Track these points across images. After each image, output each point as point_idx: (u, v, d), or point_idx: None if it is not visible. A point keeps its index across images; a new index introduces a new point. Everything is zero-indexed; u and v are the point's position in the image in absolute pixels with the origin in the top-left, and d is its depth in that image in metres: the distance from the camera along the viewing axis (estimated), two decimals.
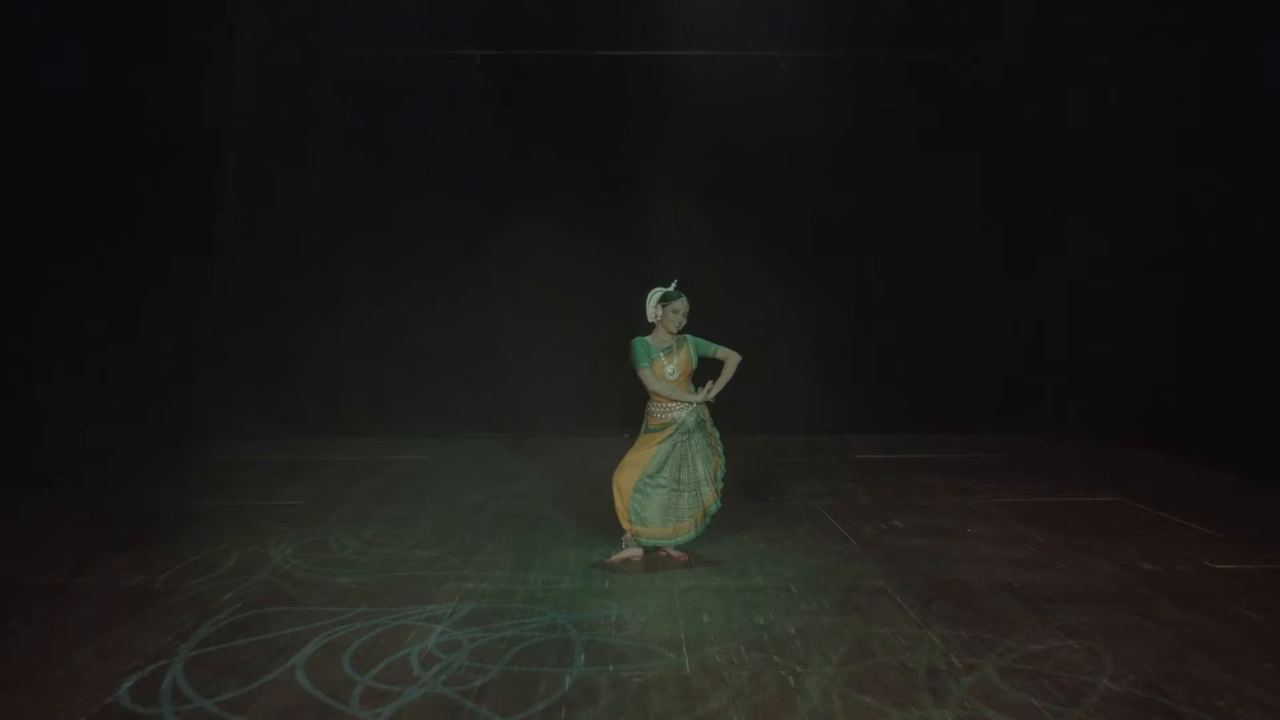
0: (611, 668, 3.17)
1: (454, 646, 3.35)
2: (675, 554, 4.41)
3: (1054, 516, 5.21)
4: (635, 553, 4.39)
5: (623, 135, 7.96)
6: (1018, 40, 7.58)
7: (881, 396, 8.15)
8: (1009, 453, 7.31)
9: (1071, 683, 3.02)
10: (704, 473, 4.34)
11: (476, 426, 8.15)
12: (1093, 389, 7.98)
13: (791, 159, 7.89)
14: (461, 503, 5.68)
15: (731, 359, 4.36)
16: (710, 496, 4.36)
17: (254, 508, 5.47)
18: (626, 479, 4.28)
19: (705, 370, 4.34)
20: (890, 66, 7.84)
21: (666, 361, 4.27)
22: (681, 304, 4.27)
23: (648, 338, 4.33)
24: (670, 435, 4.27)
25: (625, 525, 4.32)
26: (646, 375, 4.26)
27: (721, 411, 4.49)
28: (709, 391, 4.27)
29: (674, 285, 4.33)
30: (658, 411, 4.32)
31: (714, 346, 4.38)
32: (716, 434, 4.46)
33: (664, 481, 4.27)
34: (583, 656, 3.26)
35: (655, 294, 4.29)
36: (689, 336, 4.37)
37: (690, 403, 4.27)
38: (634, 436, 4.45)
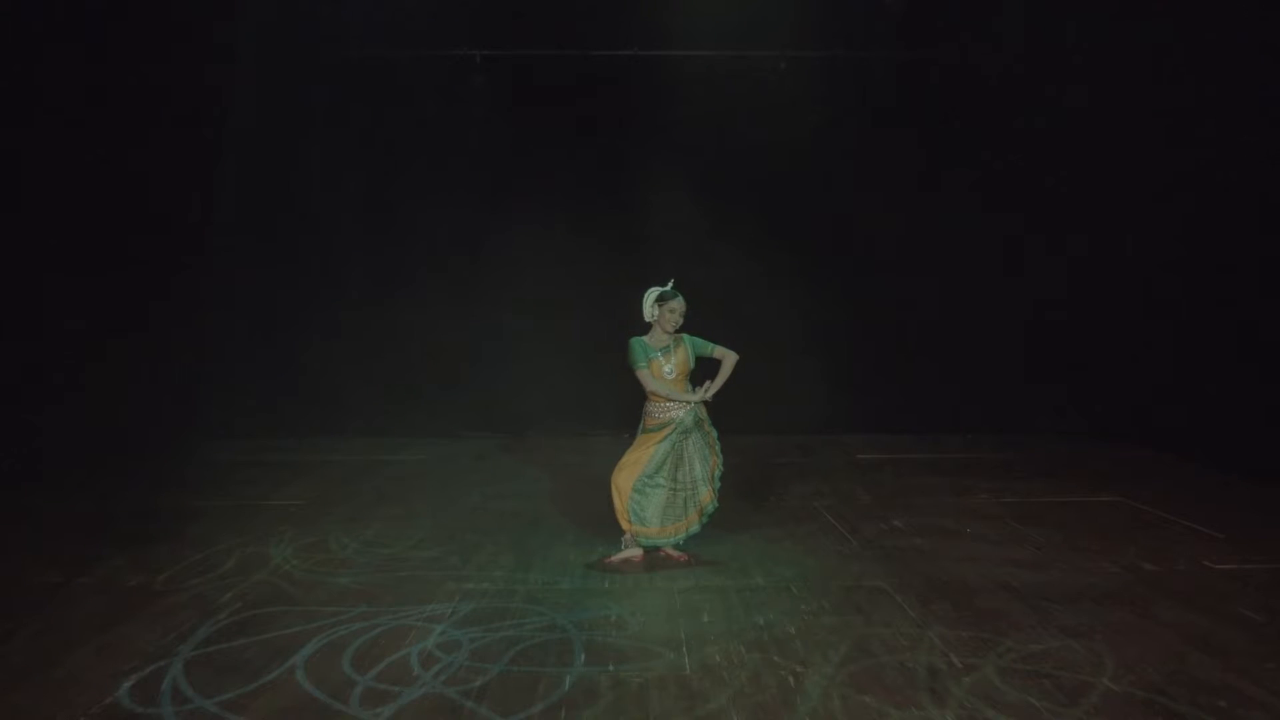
0: (611, 668, 3.17)
1: (454, 646, 3.35)
2: (675, 554, 4.41)
3: (1054, 516, 5.21)
4: (635, 553, 4.39)
5: (622, 135, 7.96)
6: (1017, 40, 7.58)
7: (881, 396, 8.14)
8: (1009, 453, 7.30)
9: (1071, 683, 3.02)
10: (701, 472, 4.34)
11: (476, 426, 8.15)
12: (1093, 389, 7.98)
13: (791, 159, 7.89)
14: (461, 503, 5.68)
15: (729, 358, 4.36)
16: (707, 496, 4.36)
17: (254, 508, 5.47)
18: (625, 479, 4.28)
19: (703, 370, 4.35)
20: (890, 66, 7.84)
21: (664, 361, 4.28)
22: (678, 303, 4.27)
23: (645, 338, 4.34)
24: (669, 435, 4.27)
25: (624, 525, 4.32)
26: (644, 375, 4.27)
27: (721, 411, 4.49)
28: (707, 391, 4.28)
29: (671, 285, 4.33)
30: (656, 411, 4.32)
31: (711, 346, 4.39)
32: (714, 433, 4.46)
33: (662, 481, 4.27)
34: (583, 656, 3.26)
35: (652, 293, 4.30)
36: (686, 336, 4.37)
37: (688, 402, 4.28)
38: (633, 437, 4.46)
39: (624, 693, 2.98)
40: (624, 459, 4.34)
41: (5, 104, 6.13)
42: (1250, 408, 6.29)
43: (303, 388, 8.04)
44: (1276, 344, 6.09)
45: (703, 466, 4.34)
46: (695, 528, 4.36)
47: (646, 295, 4.30)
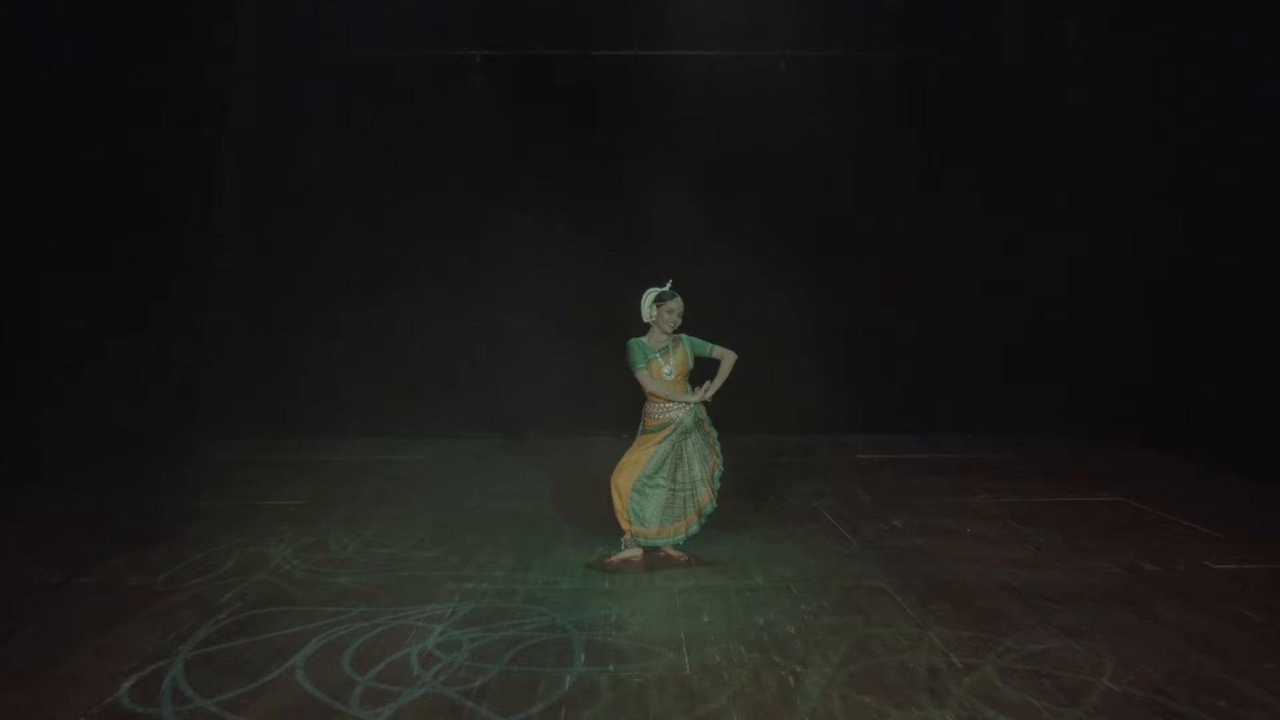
0: (611, 668, 3.17)
1: (454, 646, 3.35)
2: (675, 554, 4.41)
3: (1054, 516, 5.21)
4: (635, 553, 4.39)
5: (622, 135, 7.97)
6: (1017, 40, 7.59)
7: (881, 396, 8.14)
8: (1009, 453, 7.31)
9: (1071, 683, 3.02)
10: (700, 473, 4.34)
11: (476, 426, 8.15)
12: (1093, 389, 7.98)
13: (791, 159, 7.89)
14: (461, 503, 5.68)
15: (728, 358, 4.35)
16: (706, 497, 4.36)
17: (254, 508, 5.47)
18: (625, 479, 4.27)
19: (702, 370, 4.34)
20: (890, 66, 7.84)
21: (663, 362, 4.27)
22: (677, 304, 4.27)
23: (644, 339, 4.33)
24: (668, 436, 4.27)
25: (624, 525, 4.32)
26: (644, 377, 4.26)
27: (721, 411, 4.49)
28: (706, 392, 4.27)
29: (669, 285, 4.32)
30: (655, 412, 4.31)
31: (710, 346, 4.38)
32: (714, 434, 4.46)
33: (662, 482, 4.27)
34: (583, 656, 3.26)
35: (650, 294, 4.29)
36: (684, 336, 4.37)
37: (688, 403, 4.27)
38: (633, 437, 4.45)
39: (624, 693, 2.98)
40: (624, 459, 4.33)
41: (5, 104, 6.13)
42: (1250, 408, 6.29)
43: (303, 388, 8.05)
44: (1276, 344, 6.09)
45: (702, 467, 4.34)
46: (694, 528, 4.35)
47: (645, 296, 4.30)
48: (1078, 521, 5.09)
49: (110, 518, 5.15)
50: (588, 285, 7.86)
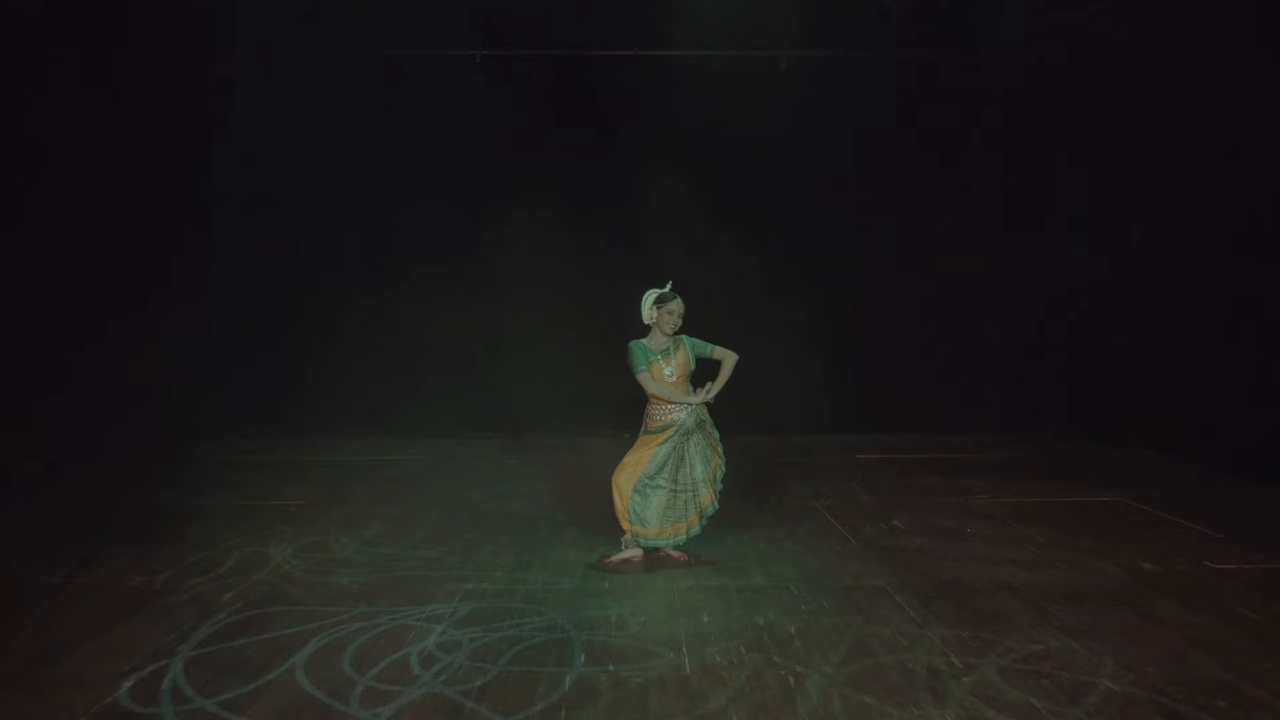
0: (611, 667, 3.17)
1: (454, 646, 3.35)
2: (675, 554, 4.41)
3: (1054, 516, 5.21)
4: (635, 553, 4.39)
5: (623, 135, 7.96)
6: (1017, 40, 7.58)
7: (881, 397, 8.14)
8: (1009, 453, 7.31)
9: (1071, 683, 3.02)
10: (702, 474, 4.33)
11: (476, 426, 8.15)
12: (1093, 389, 7.98)
13: (791, 158, 7.88)
14: (461, 503, 5.68)
15: (729, 359, 4.35)
16: (708, 498, 4.36)
17: (254, 508, 5.47)
18: (626, 479, 4.27)
19: (703, 370, 4.34)
20: (891, 66, 7.84)
21: (665, 364, 4.27)
22: (677, 305, 4.26)
23: (644, 340, 4.32)
24: (670, 437, 4.26)
25: (625, 526, 4.32)
26: (645, 379, 4.26)
27: (721, 411, 4.49)
28: (708, 393, 4.27)
29: (669, 286, 4.32)
30: (657, 414, 4.31)
31: (710, 347, 4.38)
32: (716, 434, 4.46)
33: (663, 483, 4.27)
34: (583, 656, 3.26)
35: (650, 295, 4.29)
36: (685, 337, 4.36)
37: (689, 404, 4.27)
38: (633, 437, 4.45)
39: (624, 693, 2.98)
40: (625, 459, 4.33)
41: (4, 104, 6.13)
42: (1250, 408, 6.29)
43: (303, 388, 8.05)
44: (1277, 344, 6.09)
45: (704, 468, 4.34)
46: (696, 529, 4.35)
47: (645, 297, 4.29)
48: (1078, 521, 5.09)
49: (110, 518, 5.15)
50: (588, 285, 7.87)
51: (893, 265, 8.16)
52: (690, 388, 4.35)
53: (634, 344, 4.30)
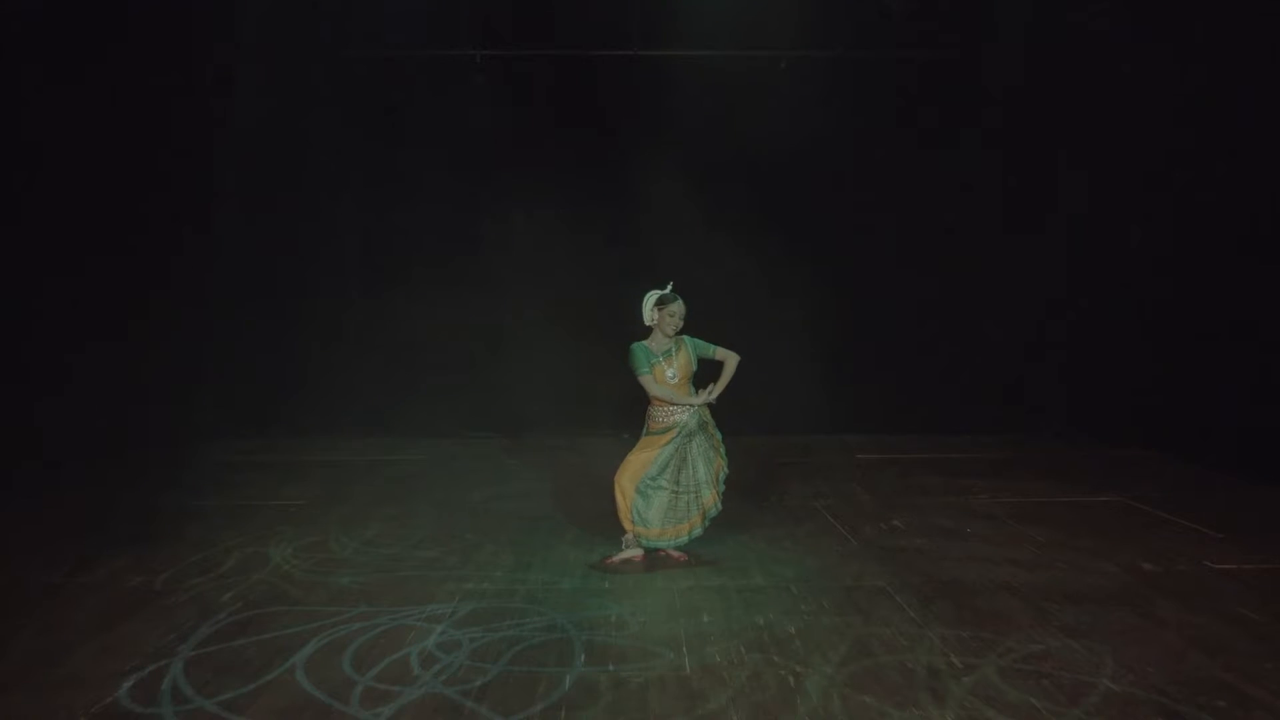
0: (611, 667, 3.17)
1: (454, 646, 3.35)
2: (675, 554, 4.41)
3: (1054, 516, 5.21)
4: (636, 553, 4.39)
5: (623, 135, 7.97)
6: (1017, 40, 7.59)
7: (881, 396, 8.15)
8: (1009, 453, 7.31)
9: (1071, 683, 3.02)
10: (705, 475, 4.33)
11: (476, 426, 8.15)
12: (1093, 389, 7.98)
13: (791, 158, 7.89)
14: (461, 503, 5.68)
15: (731, 359, 4.35)
16: (710, 499, 4.36)
17: (254, 508, 5.47)
18: (629, 480, 4.26)
19: (705, 371, 4.34)
20: (891, 66, 7.85)
21: (667, 365, 4.26)
22: (678, 306, 4.25)
23: (646, 342, 4.32)
24: (674, 439, 4.26)
25: (627, 526, 4.31)
26: (647, 381, 4.25)
27: (722, 412, 4.48)
28: (710, 394, 4.26)
29: (669, 287, 4.31)
30: (659, 415, 4.30)
31: (712, 347, 4.37)
32: (719, 435, 4.45)
33: (665, 484, 4.26)
34: (583, 656, 3.26)
35: (651, 297, 4.27)
36: (686, 338, 4.35)
37: (692, 405, 4.26)
38: (634, 437, 4.45)
39: (624, 693, 2.98)
40: (627, 460, 4.32)
41: (4, 104, 6.13)
42: (1250, 408, 6.29)
43: (303, 388, 8.05)
44: (1277, 344, 6.09)
45: (706, 469, 4.34)
46: (698, 530, 4.35)
47: (645, 299, 4.28)
48: (1078, 521, 5.09)
49: (110, 518, 5.15)
50: (588, 285, 7.87)
51: (893, 265, 8.16)
52: (692, 389, 4.35)
53: (636, 346, 4.30)
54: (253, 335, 7.99)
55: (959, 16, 7.57)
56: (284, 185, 7.93)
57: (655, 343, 4.30)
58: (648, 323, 4.29)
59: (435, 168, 7.94)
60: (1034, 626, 3.51)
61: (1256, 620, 3.57)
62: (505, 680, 3.07)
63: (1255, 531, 4.83)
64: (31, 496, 5.72)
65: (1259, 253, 6.24)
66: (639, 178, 7.83)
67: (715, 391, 4.26)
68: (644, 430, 4.38)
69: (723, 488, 4.43)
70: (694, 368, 4.33)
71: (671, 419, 4.28)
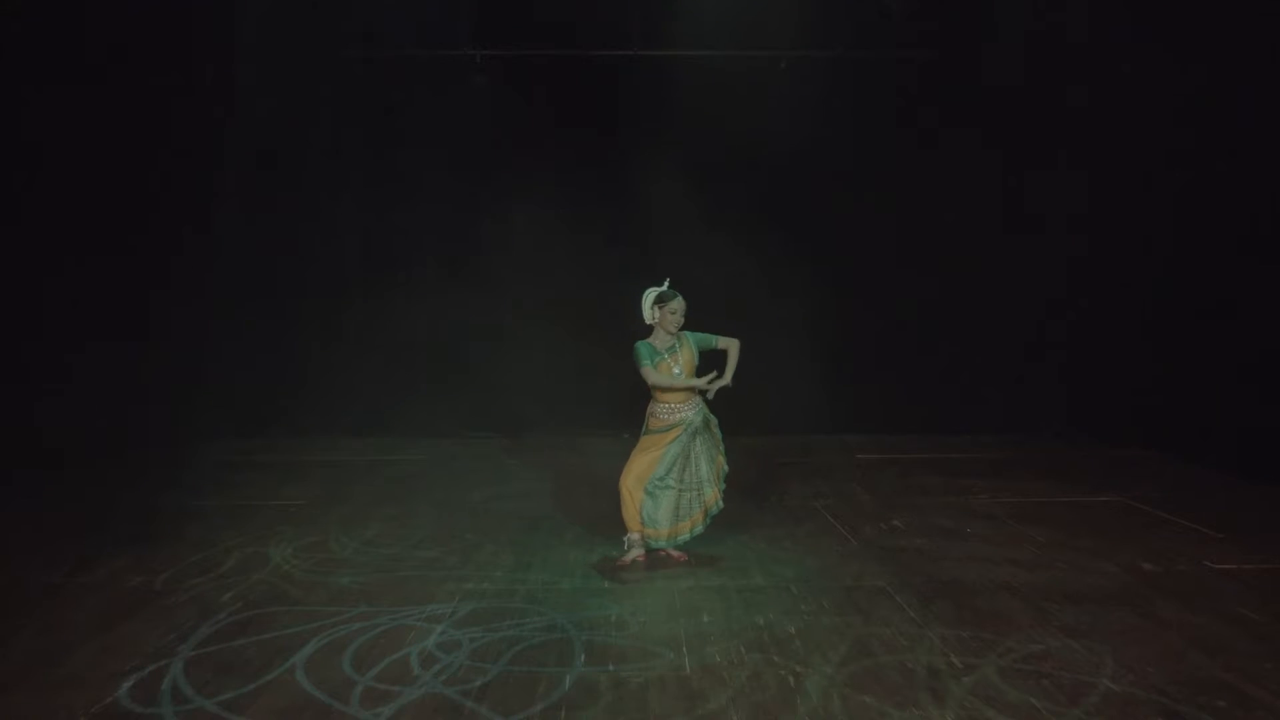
0: (611, 667, 3.17)
1: (454, 646, 3.35)
2: (675, 554, 4.41)
3: (1054, 516, 5.21)
4: (639, 553, 4.38)
5: (623, 135, 7.96)
6: (1016, 40, 7.58)
7: (881, 397, 8.14)
8: (1009, 453, 7.31)
9: (1071, 683, 3.02)
10: (707, 472, 4.33)
11: (476, 426, 8.15)
12: (1092, 389, 7.98)
13: (791, 158, 7.89)
14: (461, 503, 5.68)
15: (733, 346, 4.34)
16: (712, 497, 4.36)
17: (254, 508, 5.47)
18: (635, 482, 4.24)
19: (707, 363, 4.31)
20: (891, 66, 7.84)
21: (672, 363, 4.24)
22: (679, 303, 4.24)
23: (650, 340, 4.30)
24: (679, 436, 4.24)
25: (635, 528, 4.28)
26: (650, 372, 4.23)
27: (722, 412, 4.48)
28: (721, 380, 4.20)
29: (667, 284, 4.30)
30: (663, 413, 4.28)
31: (713, 338, 4.37)
32: (720, 434, 4.45)
33: (672, 483, 4.25)
34: (583, 656, 3.26)
35: (650, 295, 4.26)
36: (687, 333, 4.35)
37: (703, 391, 4.21)
38: (633, 437, 4.44)
39: (624, 693, 2.98)
40: (632, 462, 4.29)
41: (4, 104, 6.14)
42: (1250, 408, 6.28)
43: (303, 388, 8.05)
44: (1277, 344, 6.09)
45: (708, 466, 4.33)
46: (699, 528, 4.35)
47: (645, 297, 4.26)
48: (1078, 521, 5.09)
49: (110, 518, 5.15)
50: (588, 285, 7.87)
51: (893, 265, 8.15)
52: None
53: (640, 344, 4.28)
54: (253, 335, 7.98)
55: (959, 16, 7.56)
56: (284, 185, 7.92)
57: (658, 340, 4.29)
58: (648, 321, 4.28)
59: (435, 168, 7.94)
60: (1034, 626, 3.51)
61: (1256, 620, 3.57)
62: (505, 680, 3.07)
63: (1255, 531, 4.82)
64: (31, 496, 5.72)
65: (1259, 253, 6.24)
66: (639, 178, 7.83)
67: (726, 375, 4.23)
68: (644, 429, 4.36)
69: (724, 485, 4.43)
70: (697, 362, 4.32)
71: (675, 417, 4.26)
